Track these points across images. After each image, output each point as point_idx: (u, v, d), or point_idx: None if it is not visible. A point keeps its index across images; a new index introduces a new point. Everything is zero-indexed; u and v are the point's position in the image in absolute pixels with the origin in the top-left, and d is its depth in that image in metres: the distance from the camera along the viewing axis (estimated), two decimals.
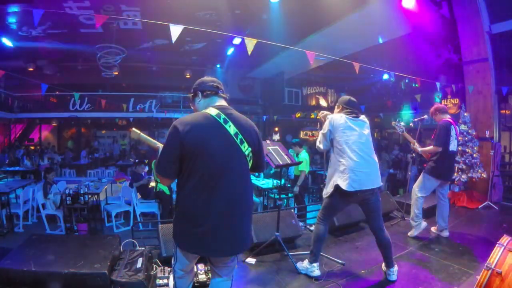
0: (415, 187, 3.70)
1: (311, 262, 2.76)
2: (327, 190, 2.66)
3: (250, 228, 1.83)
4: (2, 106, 12.19)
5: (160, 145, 1.85)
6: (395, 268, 2.68)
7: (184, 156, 1.59)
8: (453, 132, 3.52)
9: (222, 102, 1.79)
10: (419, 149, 3.74)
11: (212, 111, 1.69)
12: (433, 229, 3.79)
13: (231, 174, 1.65)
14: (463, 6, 6.07)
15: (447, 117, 3.63)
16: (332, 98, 16.95)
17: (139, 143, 13.36)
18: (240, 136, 1.68)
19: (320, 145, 2.74)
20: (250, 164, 1.77)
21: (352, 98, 2.83)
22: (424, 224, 3.65)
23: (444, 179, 3.60)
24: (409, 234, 3.70)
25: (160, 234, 2.95)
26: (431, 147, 3.57)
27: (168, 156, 1.62)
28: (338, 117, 2.64)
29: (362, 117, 2.75)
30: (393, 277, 2.65)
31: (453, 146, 3.53)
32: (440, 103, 9.53)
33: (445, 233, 3.66)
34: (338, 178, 2.55)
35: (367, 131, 2.70)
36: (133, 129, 2.07)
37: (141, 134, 2.04)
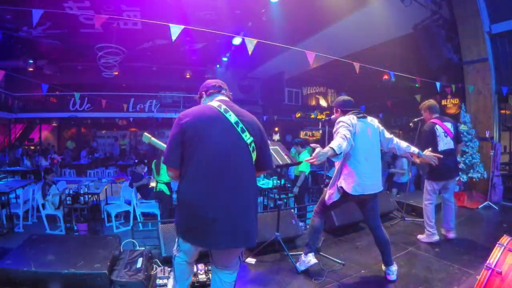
0: (423, 197, 3.65)
1: (305, 253, 2.78)
2: (330, 191, 2.66)
3: (255, 220, 1.75)
4: (2, 106, 12.19)
5: None
6: (394, 267, 2.67)
7: (185, 142, 1.63)
8: (439, 132, 3.45)
9: (224, 98, 1.87)
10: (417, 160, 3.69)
11: (214, 103, 1.79)
12: (442, 230, 3.71)
13: (232, 161, 1.66)
14: (463, 6, 6.07)
15: (434, 117, 3.56)
16: (332, 98, 16.95)
17: (143, 144, 13.40)
18: (241, 125, 1.72)
19: (341, 149, 2.23)
20: (254, 156, 1.76)
21: (346, 98, 2.79)
22: (436, 238, 3.49)
23: (444, 179, 3.54)
24: (418, 236, 3.65)
25: (160, 234, 2.95)
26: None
27: (172, 144, 1.67)
28: (351, 119, 2.52)
29: (370, 118, 2.70)
30: (393, 276, 2.65)
31: (443, 145, 3.43)
32: (440, 103, 9.54)
33: (452, 234, 3.57)
34: (343, 181, 2.53)
35: (375, 133, 2.66)
36: (145, 133, 2.16)
37: (152, 138, 2.13)
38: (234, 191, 1.64)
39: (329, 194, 2.66)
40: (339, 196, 2.59)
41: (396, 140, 2.78)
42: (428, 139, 3.43)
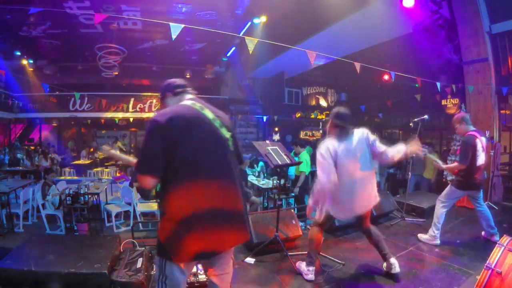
0: (440, 195, 3.60)
1: (308, 264, 2.75)
2: (318, 217, 2.70)
3: (248, 213, 1.77)
4: (2, 106, 12.20)
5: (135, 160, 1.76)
6: (394, 260, 2.68)
7: (169, 146, 1.49)
8: (479, 146, 3.33)
9: (191, 96, 1.79)
10: (444, 166, 3.63)
11: (187, 102, 1.69)
12: (483, 233, 3.66)
13: (220, 159, 1.62)
14: (463, 6, 6.07)
15: (471, 129, 3.44)
16: (332, 98, 16.94)
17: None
18: (218, 121, 1.67)
19: (325, 180, 2.38)
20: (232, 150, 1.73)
21: (342, 110, 2.63)
22: (437, 242, 3.46)
23: (473, 189, 3.47)
24: (419, 235, 3.63)
25: None
26: (455, 164, 3.46)
27: (152, 150, 1.50)
28: (329, 146, 2.46)
29: (356, 131, 2.55)
30: (396, 269, 2.64)
31: (480, 160, 3.37)
32: (440, 103, 9.54)
33: (495, 238, 3.41)
34: (331, 208, 2.58)
35: (361, 147, 2.52)
36: (103, 146, 2.09)
37: (111, 150, 2.01)
38: (226, 187, 1.61)
39: (319, 215, 2.70)
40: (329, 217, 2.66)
41: (389, 152, 2.55)
42: (468, 155, 3.30)
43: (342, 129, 2.54)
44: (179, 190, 1.53)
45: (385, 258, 2.70)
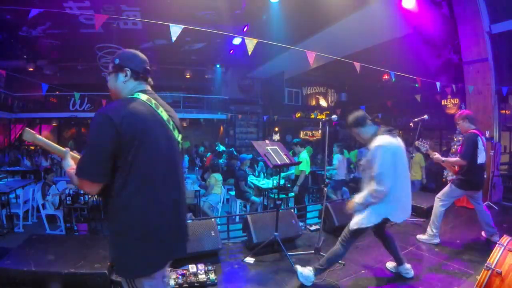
0: (439, 193, 3.61)
1: (315, 274, 2.60)
2: (366, 221, 2.40)
3: (187, 223, 1.66)
4: (2, 106, 12.21)
5: (65, 150, 1.59)
6: (407, 265, 2.67)
7: (122, 149, 1.31)
8: (480, 144, 3.35)
9: (148, 88, 1.57)
10: (443, 159, 3.58)
11: (142, 96, 1.47)
12: (482, 233, 3.66)
13: (173, 163, 1.50)
14: (463, 6, 6.06)
15: (473, 128, 3.46)
16: (332, 98, 16.95)
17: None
18: (172, 123, 1.54)
19: (382, 188, 2.24)
20: None
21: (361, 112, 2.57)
22: (437, 240, 3.46)
23: (473, 190, 3.47)
24: (417, 236, 3.63)
25: None
26: (456, 158, 3.46)
27: (100, 152, 1.31)
28: (391, 142, 2.30)
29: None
30: (410, 274, 2.65)
31: (481, 159, 3.38)
32: (440, 103, 9.55)
33: (495, 238, 3.37)
34: (387, 210, 2.34)
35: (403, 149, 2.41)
36: (27, 129, 1.61)
37: (37, 136, 1.58)
38: (176, 190, 1.52)
39: (362, 219, 2.44)
40: (378, 222, 2.39)
41: None
42: (470, 151, 3.31)
43: (387, 128, 2.42)
44: (132, 197, 1.36)
45: (400, 262, 2.67)
